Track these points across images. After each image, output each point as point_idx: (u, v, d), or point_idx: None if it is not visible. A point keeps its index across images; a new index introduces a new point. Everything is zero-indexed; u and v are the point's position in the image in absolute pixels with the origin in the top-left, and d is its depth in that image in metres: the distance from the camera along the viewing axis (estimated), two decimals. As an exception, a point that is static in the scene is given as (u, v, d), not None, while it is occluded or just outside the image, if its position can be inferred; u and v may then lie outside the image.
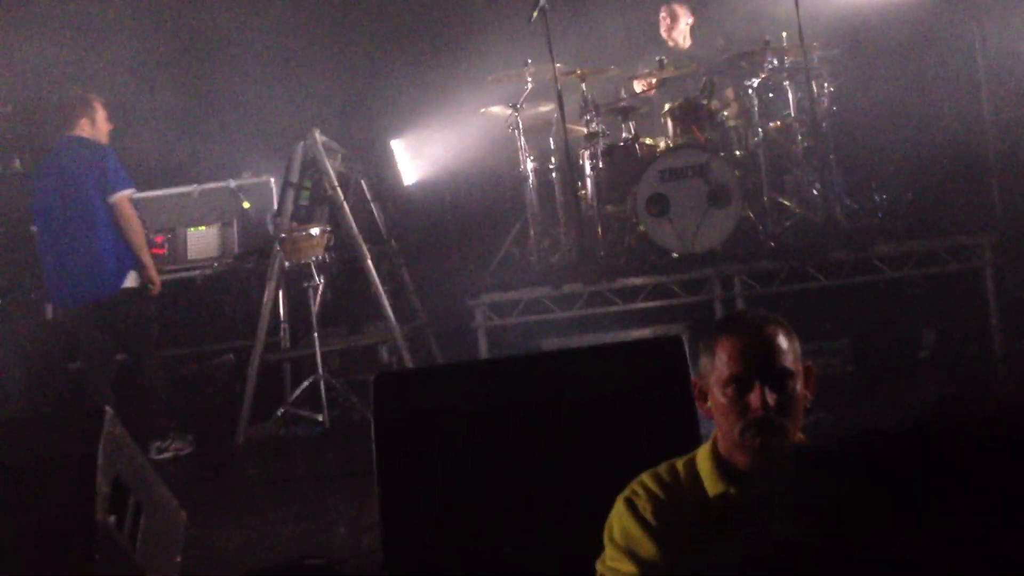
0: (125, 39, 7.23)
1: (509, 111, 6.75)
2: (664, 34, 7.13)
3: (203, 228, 6.72)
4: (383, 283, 6.47)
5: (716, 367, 2.14)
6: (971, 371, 5.42)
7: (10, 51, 6.83)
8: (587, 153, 6.55)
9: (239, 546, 4.16)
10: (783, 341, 2.12)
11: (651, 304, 6.13)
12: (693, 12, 7.09)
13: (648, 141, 6.67)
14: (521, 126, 6.77)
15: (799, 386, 2.11)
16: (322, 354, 6.01)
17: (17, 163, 6.95)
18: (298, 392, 6.07)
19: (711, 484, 2.16)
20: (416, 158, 7.55)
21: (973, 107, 6.39)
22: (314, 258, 6.12)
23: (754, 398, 2.08)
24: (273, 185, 6.87)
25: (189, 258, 6.69)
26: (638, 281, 6.19)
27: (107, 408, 3.07)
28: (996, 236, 5.76)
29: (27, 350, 6.40)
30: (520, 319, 6.25)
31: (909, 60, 6.70)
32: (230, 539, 4.25)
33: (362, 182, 6.96)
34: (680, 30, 7.10)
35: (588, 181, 6.55)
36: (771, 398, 2.07)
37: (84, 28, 7.24)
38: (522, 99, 6.72)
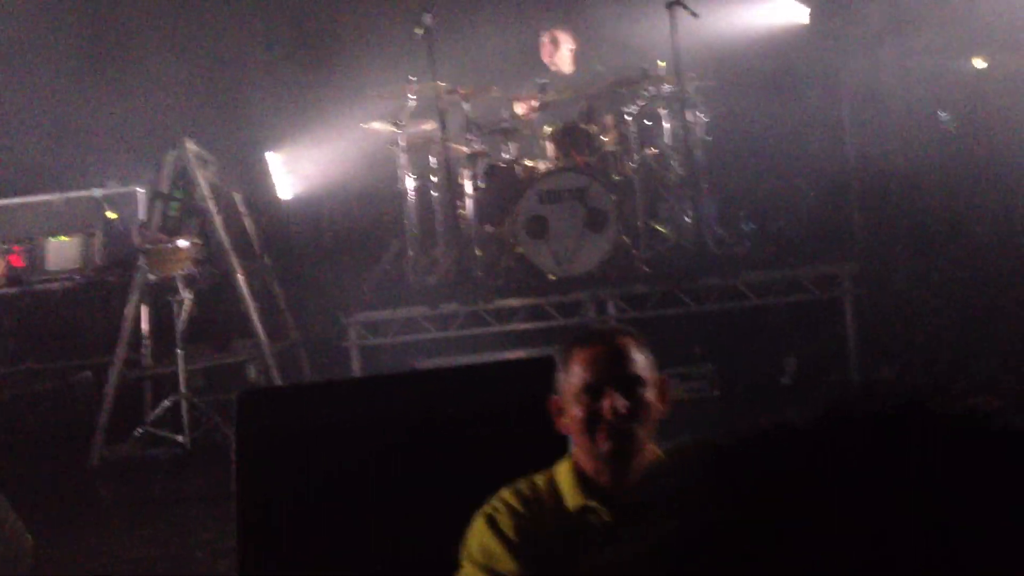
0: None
1: (390, 127, 6.69)
2: (546, 58, 7.19)
3: (65, 238, 6.41)
4: (254, 299, 6.30)
5: (570, 379, 2.19)
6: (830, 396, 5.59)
7: None
8: (468, 173, 6.54)
9: (91, 572, 3.95)
10: (633, 350, 2.18)
11: (527, 326, 6.15)
12: (575, 38, 7.18)
13: (528, 163, 6.71)
14: (402, 143, 6.72)
15: (651, 394, 2.16)
16: (186, 372, 5.79)
17: None
18: (159, 411, 5.83)
19: (571, 497, 2.18)
20: (293, 172, 7.40)
21: (837, 139, 6.65)
22: (181, 271, 5.91)
23: (606, 403, 2.12)
24: (140, 195, 6.61)
25: (48, 269, 6.36)
26: (515, 302, 6.21)
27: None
28: (856, 266, 5.99)
29: None
30: (395, 338, 6.18)
31: (778, 92, 6.93)
32: (82, 564, 4.04)
33: (235, 194, 6.78)
34: (562, 55, 7.18)
35: (468, 201, 6.53)
36: (622, 404, 2.11)
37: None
38: (404, 116, 6.67)
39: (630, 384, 2.13)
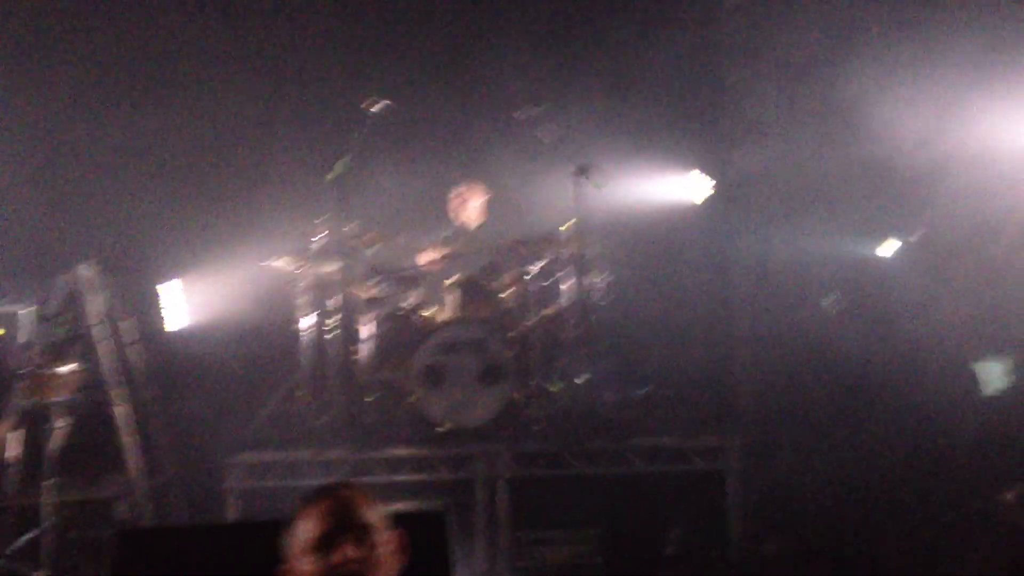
0: None
1: (293, 265, 6.68)
2: (454, 211, 7.36)
3: (-62, 353, 6.11)
4: (133, 432, 6.06)
5: (302, 536, 2.18)
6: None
7: None
8: (367, 317, 6.55)
9: None
10: (362, 502, 2.25)
11: (416, 477, 6.06)
12: (483, 193, 7.38)
13: (428, 312, 6.75)
14: (302, 282, 6.71)
15: (384, 546, 2.13)
16: (53, 504, 5.49)
17: None
18: (19, 544, 5.48)
19: None
20: (188, 301, 7.27)
21: (727, 313, 6.90)
22: (59, 398, 5.68)
23: (338, 554, 2.10)
24: (26, 314, 6.37)
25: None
26: (404, 452, 6.13)
27: None
28: (741, 440, 6.12)
29: None
30: (278, 483, 5.99)
31: (675, 262, 7.20)
32: None
33: (126, 321, 6.60)
34: (469, 209, 7.35)
35: (365, 345, 6.51)
36: (354, 552, 2.13)
37: None
38: (307, 255, 6.68)
39: (360, 534, 2.15)
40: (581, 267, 6.54)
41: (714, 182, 7.32)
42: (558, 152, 6.62)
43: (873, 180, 6.73)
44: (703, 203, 7.36)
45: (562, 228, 6.72)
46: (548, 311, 6.70)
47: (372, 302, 6.61)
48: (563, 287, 6.69)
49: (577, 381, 6.46)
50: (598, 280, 6.76)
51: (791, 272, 6.77)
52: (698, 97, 7.38)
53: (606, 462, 6.09)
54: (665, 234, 7.32)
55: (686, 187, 7.48)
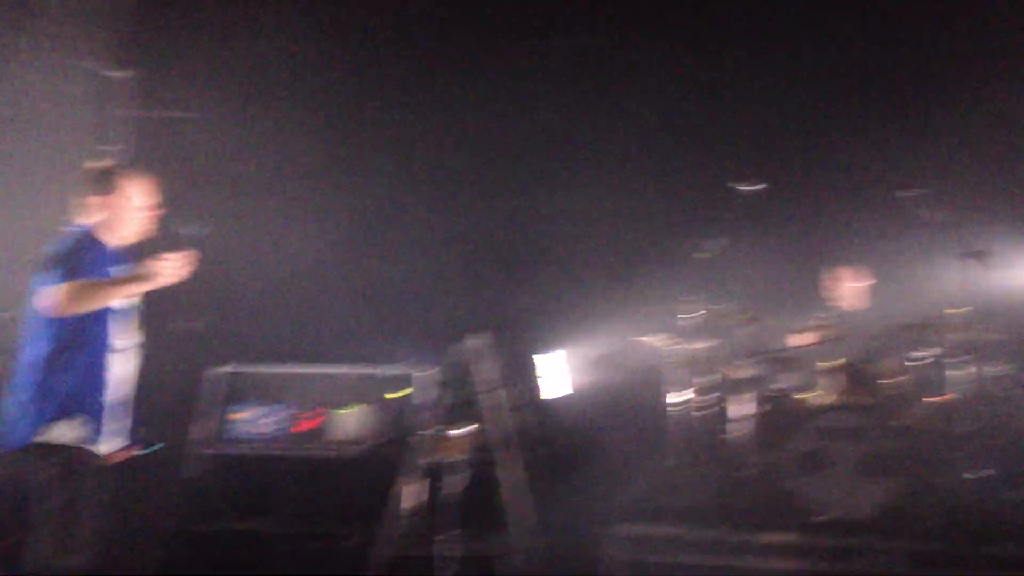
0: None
1: (665, 342, 6.79)
2: (831, 292, 7.18)
3: (350, 410, 6.76)
4: (515, 493, 6.35)
5: None
6: None
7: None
8: (739, 397, 6.50)
9: None
10: None
11: (788, 565, 5.82)
12: (862, 276, 7.15)
13: (802, 396, 6.60)
14: (675, 359, 6.78)
15: None
16: (443, 557, 5.86)
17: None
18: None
19: None
20: (563, 373, 7.59)
21: None
22: (454, 458, 6.08)
23: None
24: (422, 378, 6.91)
25: (331, 438, 6.70)
26: (773, 539, 5.93)
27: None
28: None
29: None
30: (657, 558, 5.98)
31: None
32: None
33: (507, 389, 6.98)
34: (847, 291, 7.15)
35: (736, 425, 6.45)
36: None
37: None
38: (680, 332, 6.76)
39: None
40: (973, 355, 6.14)
41: None
42: (945, 235, 6.31)
43: None
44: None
45: (951, 312, 6.36)
46: (935, 400, 6.34)
47: (744, 382, 6.56)
48: (954, 375, 6.30)
49: (972, 478, 6.03)
50: (997, 371, 6.31)
51: None
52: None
53: (1015, 566, 5.58)
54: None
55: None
